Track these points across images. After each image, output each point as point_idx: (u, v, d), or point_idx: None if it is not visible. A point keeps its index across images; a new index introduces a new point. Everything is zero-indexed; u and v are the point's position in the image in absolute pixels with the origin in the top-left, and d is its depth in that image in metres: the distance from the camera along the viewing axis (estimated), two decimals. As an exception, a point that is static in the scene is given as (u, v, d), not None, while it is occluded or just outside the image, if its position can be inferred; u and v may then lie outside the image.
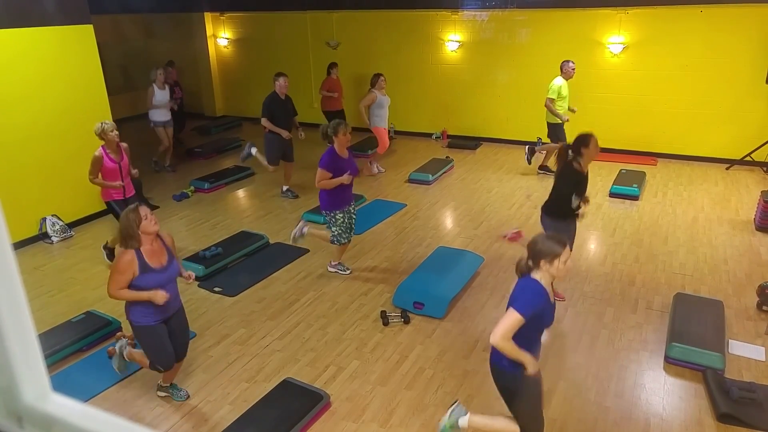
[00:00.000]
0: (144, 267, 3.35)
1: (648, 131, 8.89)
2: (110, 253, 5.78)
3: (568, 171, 4.49)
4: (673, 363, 4.06)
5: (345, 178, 5.03)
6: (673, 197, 7.33)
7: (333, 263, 5.56)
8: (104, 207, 5.90)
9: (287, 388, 3.80)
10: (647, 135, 8.91)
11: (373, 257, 5.89)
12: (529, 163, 8.31)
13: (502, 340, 2.66)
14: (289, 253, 5.97)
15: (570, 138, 8.31)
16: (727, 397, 3.61)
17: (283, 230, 6.60)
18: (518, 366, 2.75)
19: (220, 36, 12.36)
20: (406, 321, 4.67)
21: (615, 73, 8.88)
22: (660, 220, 6.61)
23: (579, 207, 4.54)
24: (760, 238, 6.08)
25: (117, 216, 5.41)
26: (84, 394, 3.87)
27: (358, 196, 6.97)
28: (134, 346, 4.04)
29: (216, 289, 5.31)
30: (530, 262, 2.78)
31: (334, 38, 10.98)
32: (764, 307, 4.69)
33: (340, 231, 5.27)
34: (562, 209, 4.55)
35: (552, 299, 2.81)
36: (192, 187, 8.04)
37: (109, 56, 10.53)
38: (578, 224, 4.67)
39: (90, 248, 6.29)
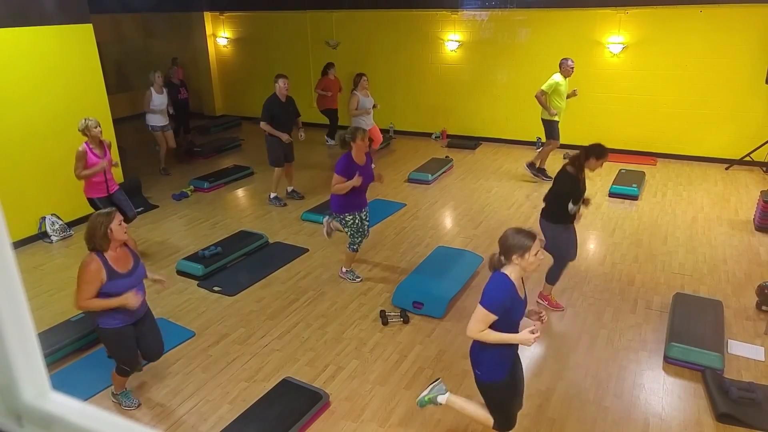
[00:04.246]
0: (111, 273, 3.31)
1: (647, 131, 8.90)
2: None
3: (564, 175, 4.49)
4: (672, 363, 4.06)
5: (356, 180, 4.91)
6: (673, 197, 7.33)
7: (344, 270, 5.44)
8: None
9: (286, 388, 3.80)
10: (647, 135, 8.91)
11: (372, 257, 5.89)
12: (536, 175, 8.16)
13: (476, 334, 2.78)
14: (289, 253, 5.97)
15: (569, 135, 8.35)
16: (726, 397, 3.61)
17: (283, 230, 6.61)
18: (492, 374, 2.89)
19: (220, 35, 12.35)
20: (406, 321, 4.67)
21: (614, 73, 8.88)
22: (659, 220, 6.61)
23: (576, 212, 4.52)
24: (760, 238, 6.09)
25: None
26: (83, 392, 3.88)
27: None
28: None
29: (215, 288, 5.31)
30: (502, 258, 2.81)
31: (333, 38, 10.98)
32: (763, 307, 4.69)
33: (352, 232, 5.17)
34: (558, 214, 4.53)
35: (522, 294, 2.84)
36: (191, 187, 8.04)
37: (108, 56, 10.55)
38: (576, 225, 4.67)
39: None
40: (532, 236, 2.75)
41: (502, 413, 3.05)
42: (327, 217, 5.46)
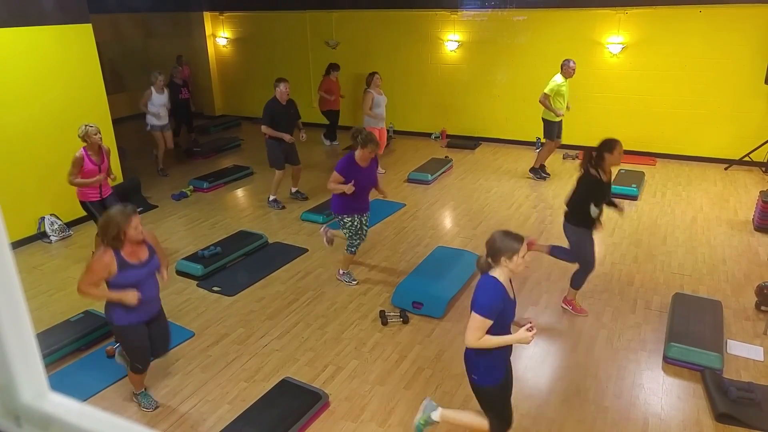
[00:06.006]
0: (122, 264, 3.28)
1: (647, 131, 8.90)
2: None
3: (586, 177, 4.40)
4: (671, 363, 4.06)
5: (347, 188, 4.79)
6: (672, 197, 7.33)
7: (341, 272, 5.41)
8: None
9: (286, 388, 3.80)
10: (646, 135, 8.91)
11: (372, 257, 5.89)
12: (545, 177, 8.19)
13: (475, 342, 2.77)
14: (288, 253, 5.96)
15: (569, 135, 8.37)
16: (725, 397, 3.62)
17: (282, 230, 6.61)
18: (488, 379, 2.90)
19: (220, 35, 12.35)
20: (405, 321, 4.67)
21: (614, 73, 8.88)
22: (659, 220, 6.61)
23: (599, 215, 4.39)
24: (759, 238, 6.09)
25: (92, 217, 5.45)
26: (82, 393, 3.87)
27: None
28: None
29: (215, 288, 5.31)
30: (490, 260, 2.84)
31: (333, 38, 10.98)
32: (762, 307, 4.69)
33: (350, 234, 5.13)
34: (580, 217, 4.42)
35: (512, 296, 2.86)
36: (191, 187, 8.04)
37: (108, 56, 10.54)
38: (599, 233, 4.56)
39: (88, 247, 6.27)
40: (519, 239, 2.79)
41: (499, 415, 3.06)
42: (323, 227, 5.51)
